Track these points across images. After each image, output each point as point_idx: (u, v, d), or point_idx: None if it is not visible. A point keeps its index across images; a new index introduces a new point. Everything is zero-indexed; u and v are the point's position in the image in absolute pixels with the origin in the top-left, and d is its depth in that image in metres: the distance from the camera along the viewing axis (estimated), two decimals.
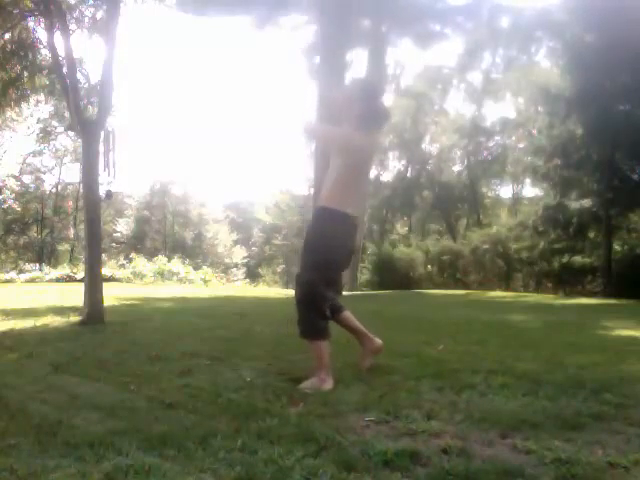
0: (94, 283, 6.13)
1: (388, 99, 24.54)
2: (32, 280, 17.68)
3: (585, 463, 1.90)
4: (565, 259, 18.75)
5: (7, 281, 17.56)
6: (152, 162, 59.50)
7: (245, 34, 41.48)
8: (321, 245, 3.18)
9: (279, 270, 34.86)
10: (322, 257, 3.15)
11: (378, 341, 3.44)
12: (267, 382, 3.14)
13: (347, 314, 3.44)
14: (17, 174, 30.38)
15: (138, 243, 33.44)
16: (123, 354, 4.08)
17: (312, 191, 17.34)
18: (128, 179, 49.89)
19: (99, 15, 7.63)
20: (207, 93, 73.74)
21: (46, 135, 28.81)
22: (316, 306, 3.13)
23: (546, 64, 21.20)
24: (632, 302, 11.93)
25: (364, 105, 3.23)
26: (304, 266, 3.20)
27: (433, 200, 29.22)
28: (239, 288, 19.01)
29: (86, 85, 8.33)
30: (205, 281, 19.61)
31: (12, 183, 29.92)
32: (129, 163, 44.61)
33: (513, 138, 28.55)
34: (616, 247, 17.44)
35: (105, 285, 6.69)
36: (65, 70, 6.52)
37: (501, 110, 53.67)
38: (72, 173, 32.47)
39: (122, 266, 21.30)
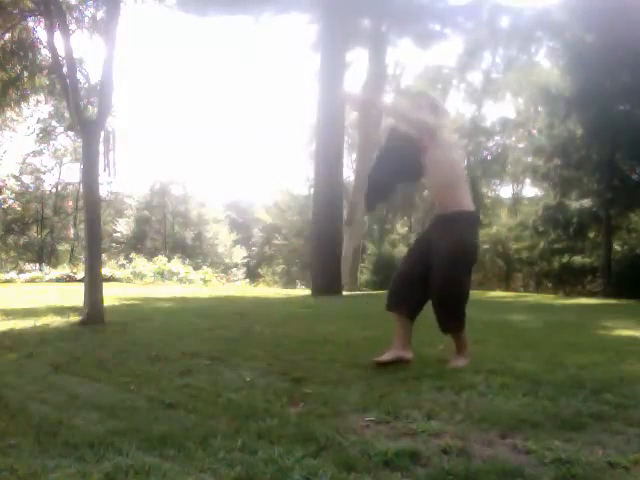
0: (94, 283, 6.13)
1: (388, 99, 24.53)
2: (32, 280, 17.67)
3: (585, 463, 1.90)
4: (565, 259, 18.76)
5: (7, 281, 17.56)
6: (152, 162, 59.49)
7: (245, 34, 41.49)
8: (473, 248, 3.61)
9: (279, 270, 34.81)
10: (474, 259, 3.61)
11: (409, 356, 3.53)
12: (267, 382, 3.14)
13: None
14: (17, 174, 30.38)
15: (138, 243, 33.40)
16: (123, 354, 4.08)
17: (312, 191, 17.33)
18: (128, 179, 49.97)
19: (99, 15, 7.65)
20: (207, 93, 73.74)
21: (46, 135, 28.79)
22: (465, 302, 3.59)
23: (546, 64, 21.20)
24: (632, 302, 11.93)
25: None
26: (464, 269, 3.53)
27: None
28: (239, 288, 19.01)
29: (86, 85, 8.34)
30: (205, 281, 19.60)
31: (12, 183, 29.93)
32: (129, 163, 44.72)
33: (513, 138, 28.53)
34: (616, 247, 17.44)
35: (105, 285, 6.69)
36: (65, 70, 6.52)
37: (501, 110, 53.67)
38: (72, 173, 32.49)
39: (122, 266, 21.28)
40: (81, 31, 7.79)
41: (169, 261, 21.57)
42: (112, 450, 2.04)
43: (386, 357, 3.37)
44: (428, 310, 3.63)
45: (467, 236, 3.51)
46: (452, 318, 3.56)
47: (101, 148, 6.78)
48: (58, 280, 17.50)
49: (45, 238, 31.49)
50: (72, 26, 7.23)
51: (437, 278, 3.43)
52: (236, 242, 37.79)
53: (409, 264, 3.59)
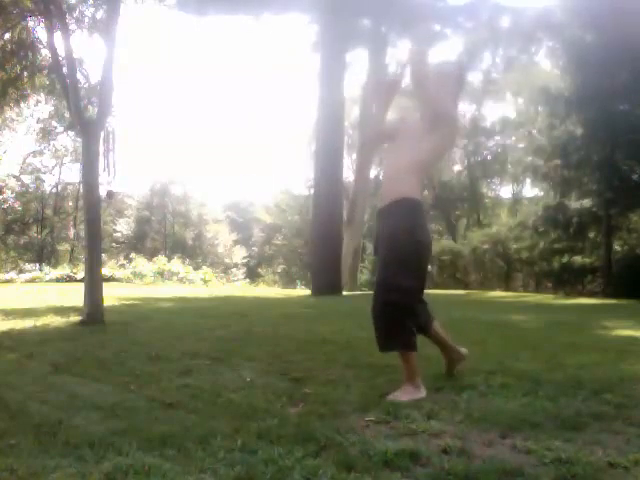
0: (94, 283, 6.13)
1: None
2: (32, 280, 17.68)
3: (585, 463, 1.90)
4: (565, 259, 18.73)
5: (7, 281, 17.56)
6: (152, 162, 59.52)
7: (245, 34, 41.50)
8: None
9: (279, 270, 34.81)
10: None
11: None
12: (267, 382, 3.15)
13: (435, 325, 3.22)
14: (17, 174, 30.38)
15: (138, 243, 33.43)
16: (123, 354, 4.08)
17: (312, 191, 17.33)
18: (128, 179, 50.02)
19: (99, 15, 7.65)
20: (207, 93, 73.72)
21: (46, 135, 28.79)
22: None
23: (546, 64, 21.20)
24: (632, 302, 11.92)
25: (458, 89, 3.28)
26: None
27: (433, 200, 29.19)
28: (239, 288, 19.01)
29: (86, 85, 8.33)
30: (205, 281, 19.61)
31: (12, 183, 29.94)
32: (129, 163, 44.72)
33: (513, 138, 28.52)
34: (616, 247, 17.43)
35: (105, 285, 6.69)
36: (65, 70, 6.52)
37: (501, 110, 53.62)
38: (72, 173, 32.50)
39: (122, 266, 21.29)
40: (81, 31, 7.80)
41: (169, 261, 21.59)
42: (112, 450, 2.04)
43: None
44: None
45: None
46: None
47: (101, 148, 6.78)
48: (58, 280, 17.51)
49: (45, 238, 31.50)
50: (72, 26, 7.23)
51: None
52: (236, 242, 37.80)
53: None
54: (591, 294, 16.44)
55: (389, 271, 2.85)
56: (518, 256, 20.80)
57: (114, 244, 34.04)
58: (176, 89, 74.55)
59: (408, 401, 2.69)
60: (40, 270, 20.53)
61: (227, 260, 35.47)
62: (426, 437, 2.20)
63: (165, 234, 35.84)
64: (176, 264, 21.11)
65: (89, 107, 7.86)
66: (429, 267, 23.30)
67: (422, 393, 2.84)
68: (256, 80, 46.45)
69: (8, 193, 29.64)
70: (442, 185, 29.64)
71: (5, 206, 29.62)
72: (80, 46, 22.43)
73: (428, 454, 1.99)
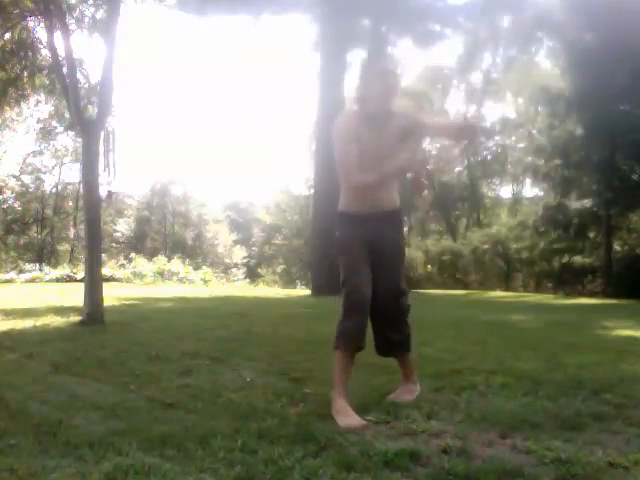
0: (94, 283, 6.14)
1: None
2: (32, 280, 17.68)
3: (585, 463, 1.90)
4: (565, 259, 18.75)
5: (7, 281, 17.56)
6: (152, 162, 59.56)
7: (246, 34, 41.51)
8: None
9: (279, 270, 34.78)
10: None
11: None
12: (267, 382, 3.15)
13: None
14: (17, 174, 30.38)
15: (138, 243, 33.41)
16: (123, 354, 4.08)
17: (312, 191, 17.34)
18: (128, 179, 50.05)
19: (99, 15, 7.65)
20: (207, 93, 73.72)
21: (46, 135, 28.77)
22: None
23: (546, 64, 21.22)
24: (632, 302, 11.93)
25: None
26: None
27: (433, 200, 29.18)
28: (239, 288, 19.01)
29: (86, 85, 8.33)
30: (205, 281, 19.61)
31: (12, 183, 29.94)
32: (129, 163, 44.74)
33: (513, 138, 28.52)
34: (616, 247, 17.44)
35: (105, 285, 6.69)
36: (65, 70, 6.52)
37: (501, 110, 53.62)
38: (72, 173, 32.49)
39: (122, 266, 21.29)
40: (81, 31, 7.81)
41: (169, 261, 21.59)
42: (112, 450, 2.04)
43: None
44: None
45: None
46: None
47: (101, 148, 6.80)
48: (58, 280, 17.51)
49: (45, 238, 31.49)
50: (72, 26, 7.24)
51: None
52: (236, 242, 37.78)
53: None
54: (591, 294, 16.45)
55: (398, 277, 2.86)
56: (518, 256, 20.81)
57: (114, 244, 34.02)
58: (176, 89, 74.50)
59: (408, 401, 2.70)
60: (40, 270, 20.53)
61: (227, 260, 35.44)
62: (426, 437, 2.20)
63: (165, 234, 35.82)
64: (176, 264, 21.10)
65: (89, 107, 7.86)
66: (429, 267, 23.27)
67: (418, 389, 2.89)
68: (256, 80, 46.50)
69: (8, 193, 29.65)
70: (442, 185, 29.61)
71: (5, 206, 29.63)
72: (80, 46, 22.44)
73: (428, 454, 1.99)
